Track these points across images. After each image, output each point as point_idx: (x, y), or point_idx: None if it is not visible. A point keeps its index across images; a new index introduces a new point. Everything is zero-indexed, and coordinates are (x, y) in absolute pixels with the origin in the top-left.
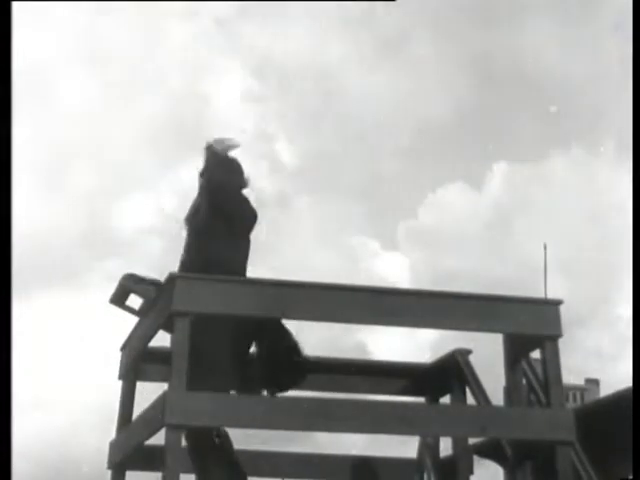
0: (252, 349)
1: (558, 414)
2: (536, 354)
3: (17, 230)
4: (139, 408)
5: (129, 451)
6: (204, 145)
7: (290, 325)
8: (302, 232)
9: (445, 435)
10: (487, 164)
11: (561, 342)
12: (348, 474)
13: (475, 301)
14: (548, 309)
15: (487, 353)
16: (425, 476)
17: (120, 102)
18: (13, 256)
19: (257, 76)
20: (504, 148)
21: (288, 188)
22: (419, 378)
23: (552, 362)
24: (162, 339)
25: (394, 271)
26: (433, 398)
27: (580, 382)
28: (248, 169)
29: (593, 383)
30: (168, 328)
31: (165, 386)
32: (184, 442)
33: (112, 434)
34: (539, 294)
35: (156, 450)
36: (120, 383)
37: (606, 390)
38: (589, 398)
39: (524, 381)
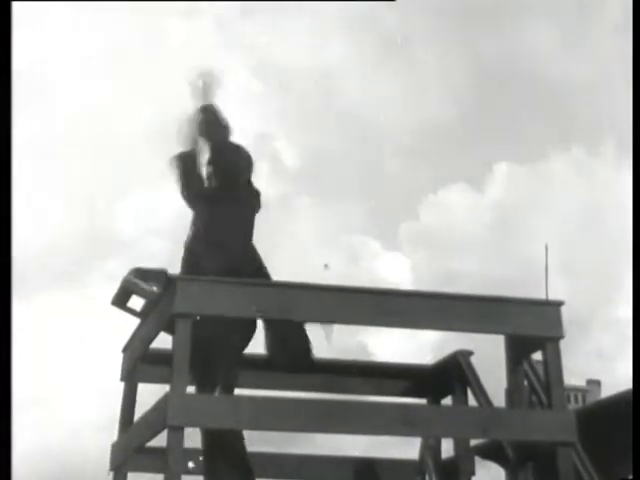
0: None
1: (559, 415)
2: (537, 355)
3: (17, 230)
4: (141, 410)
5: (131, 453)
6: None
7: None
8: (303, 232)
9: (447, 436)
10: (488, 164)
11: (562, 343)
12: (350, 476)
13: (476, 302)
14: (549, 310)
15: (488, 354)
16: (427, 477)
17: (121, 102)
18: (13, 256)
19: (258, 76)
20: (505, 148)
21: (289, 188)
22: (421, 379)
23: (553, 363)
24: (164, 341)
25: (395, 272)
26: (435, 399)
27: (581, 383)
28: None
29: (594, 384)
30: (169, 330)
31: (167, 388)
32: (186, 443)
33: (114, 436)
34: (540, 295)
35: (158, 452)
36: (122, 385)
37: (607, 391)
38: (590, 399)
39: (525, 382)
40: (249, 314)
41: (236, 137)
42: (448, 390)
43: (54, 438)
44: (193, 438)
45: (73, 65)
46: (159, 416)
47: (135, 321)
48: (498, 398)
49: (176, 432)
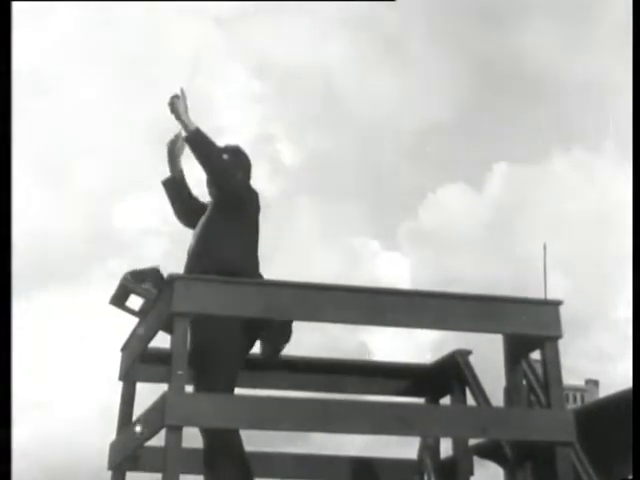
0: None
1: (558, 415)
2: (536, 355)
3: (17, 230)
4: (139, 409)
5: (129, 452)
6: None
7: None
8: (303, 232)
9: (445, 436)
10: (487, 164)
11: (561, 343)
12: (348, 475)
13: (475, 301)
14: (548, 310)
15: (487, 354)
16: (425, 477)
17: (122, 102)
18: (14, 256)
19: (259, 77)
20: (505, 148)
21: (289, 188)
22: (419, 379)
23: (552, 363)
24: (162, 340)
25: (394, 271)
26: (433, 399)
27: (580, 383)
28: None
29: (593, 384)
30: (168, 329)
31: (165, 387)
32: (184, 443)
33: (112, 435)
34: (539, 294)
35: (156, 451)
36: (120, 384)
37: (606, 391)
38: (589, 399)
39: (524, 382)
40: (248, 314)
41: (237, 138)
42: (447, 390)
43: (52, 437)
44: (193, 438)
45: (73, 65)
46: (157, 415)
47: (133, 320)
48: (497, 398)
49: (174, 431)
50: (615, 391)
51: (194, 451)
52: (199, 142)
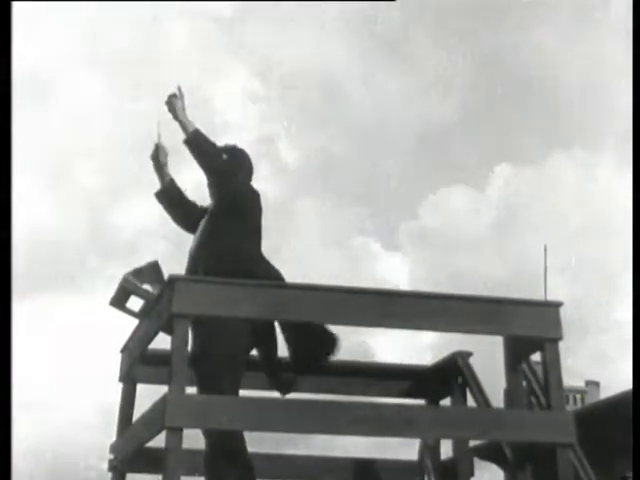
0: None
1: (558, 416)
2: (536, 356)
3: (17, 230)
4: (139, 410)
5: (129, 453)
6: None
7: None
8: (303, 233)
9: (446, 437)
10: (489, 165)
11: (561, 345)
12: (349, 476)
13: (475, 303)
14: (548, 311)
15: (488, 355)
16: (426, 478)
17: (122, 102)
18: (14, 256)
19: (259, 77)
20: (506, 149)
21: (290, 189)
22: (420, 380)
23: (552, 364)
24: (163, 341)
25: (395, 272)
26: (434, 400)
27: (580, 384)
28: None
29: (593, 385)
30: (168, 330)
31: (165, 388)
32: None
33: (112, 436)
34: (540, 296)
35: (156, 452)
36: (120, 385)
37: (606, 392)
38: (589, 400)
39: (524, 383)
40: (249, 315)
41: (238, 139)
42: (447, 391)
43: (52, 438)
44: (193, 438)
45: (73, 65)
46: (157, 417)
47: (134, 321)
48: (497, 399)
49: (174, 433)
50: (615, 393)
51: (194, 452)
52: (198, 143)
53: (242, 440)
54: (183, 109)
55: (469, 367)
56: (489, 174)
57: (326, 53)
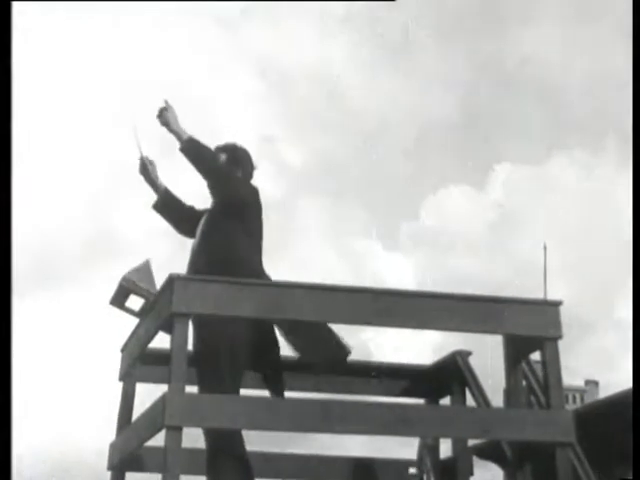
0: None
1: (558, 415)
2: (536, 356)
3: (17, 230)
4: (139, 410)
5: (129, 452)
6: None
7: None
8: (304, 233)
9: (445, 437)
10: (489, 165)
11: (561, 344)
12: (348, 475)
13: (475, 302)
14: (548, 310)
15: (487, 354)
16: (425, 477)
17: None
18: (14, 256)
19: (260, 77)
20: (507, 149)
21: (291, 189)
22: (419, 380)
23: (552, 363)
24: (162, 340)
25: (396, 272)
26: (433, 400)
27: (580, 383)
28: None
29: (593, 384)
30: (168, 329)
31: (165, 387)
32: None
33: (112, 435)
34: (540, 295)
35: (156, 451)
36: (120, 384)
37: (605, 391)
38: (588, 399)
39: (524, 383)
40: (248, 314)
41: (238, 139)
42: (447, 390)
43: (51, 438)
44: (193, 437)
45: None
46: (157, 416)
47: (133, 321)
48: (496, 398)
49: (174, 432)
50: (615, 392)
51: (195, 451)
52: (194, 150)
53: (241, 439)
54: (175, 119)
55: (469, 366)
56: (489, 174)
57: (326, 53)
